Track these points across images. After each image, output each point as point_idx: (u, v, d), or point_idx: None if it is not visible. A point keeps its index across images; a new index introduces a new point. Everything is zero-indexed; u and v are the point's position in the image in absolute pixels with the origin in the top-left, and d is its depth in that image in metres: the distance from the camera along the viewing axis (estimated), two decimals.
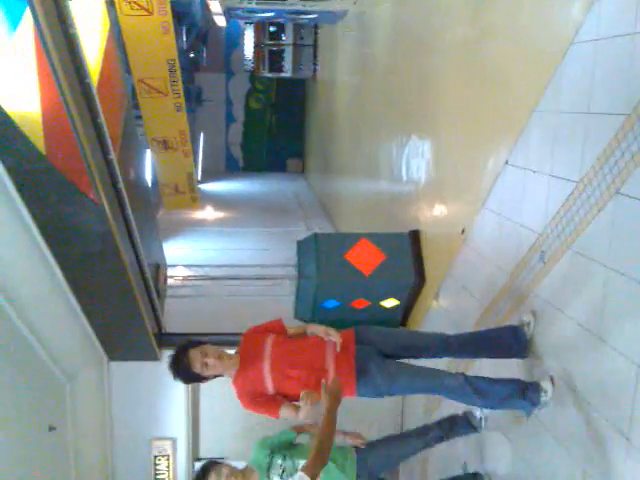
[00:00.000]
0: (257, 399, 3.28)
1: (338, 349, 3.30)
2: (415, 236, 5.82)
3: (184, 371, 3.20)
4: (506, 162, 3.90)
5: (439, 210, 5.36)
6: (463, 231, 4.61)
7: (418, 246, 5.75)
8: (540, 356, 3.42)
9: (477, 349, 3.60)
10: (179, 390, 6.40)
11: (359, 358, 3.31)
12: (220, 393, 6.38)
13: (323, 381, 2.99)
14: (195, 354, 3.19)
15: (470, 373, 3.55)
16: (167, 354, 3.32)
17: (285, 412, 3.24)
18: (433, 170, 5.53)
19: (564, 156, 3.21)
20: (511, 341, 3.49)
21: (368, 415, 6.84)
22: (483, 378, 3.39)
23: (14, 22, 3.00)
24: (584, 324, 2.98)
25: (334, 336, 3.33)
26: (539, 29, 3.51)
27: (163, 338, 6.00)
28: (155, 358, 5.80)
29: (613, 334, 2.76)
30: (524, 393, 3.27)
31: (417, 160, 5.97)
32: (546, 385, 3.23)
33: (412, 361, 3.70)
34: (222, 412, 6.62)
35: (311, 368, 3.26)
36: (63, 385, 5.17)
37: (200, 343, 3.28)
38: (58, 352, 4.94)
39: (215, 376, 3.30)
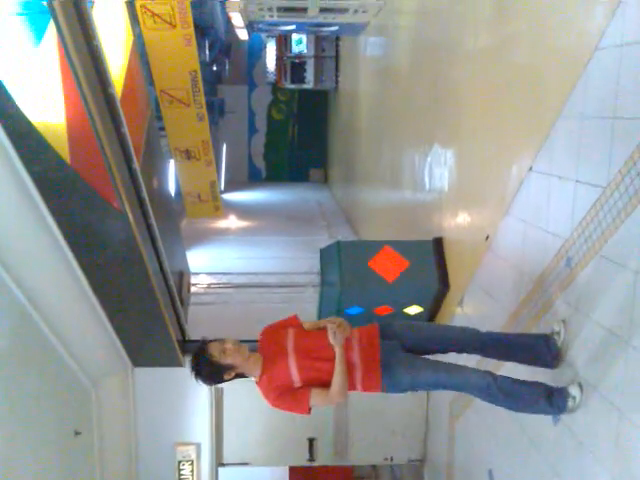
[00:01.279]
0: (284, 395, 3.19)
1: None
2: (438, 243, 5.78)
3: (204, 365, 3.13)
4: (530, 169, 3.86)
5: (462, 217, 5.32)
6: (487, 238, 4.57)
7: (442, 253, 5.71)
8: (568, 361, 3.36)
9: (508, 352, 3.51)
10: (203, 396, 6.44)
11: (384, 352, 3.26)
12: (243, 398, 6.41)
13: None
14: (214, 344, 3.17)
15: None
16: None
17: (316, 399, 3.16)
18: (456, 178, 5.49)
19: (590, 161, 3.17)
20: (544, 350, 3.41)
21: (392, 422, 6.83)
22: (510, 378, 3.32)
23: (39, 34, 3.06)
24: (613, 330, 2.93)
25: (331, 327, 3.16)
26: (563, 35, 3.47)
27: (187, 345, 6.02)
28: (179, 364, 5.83)
29: None
30: (550, 399, 3.20)
31: (440, 168, 5.94)
32: (574, 391, 3.16)
33: (439, 356, 3.61)
34: (245, 418, 6.63)
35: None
36: (89, 391, 5.23)
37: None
38: (83, 358, 4.99)
39: (237, 375, 3.21)
